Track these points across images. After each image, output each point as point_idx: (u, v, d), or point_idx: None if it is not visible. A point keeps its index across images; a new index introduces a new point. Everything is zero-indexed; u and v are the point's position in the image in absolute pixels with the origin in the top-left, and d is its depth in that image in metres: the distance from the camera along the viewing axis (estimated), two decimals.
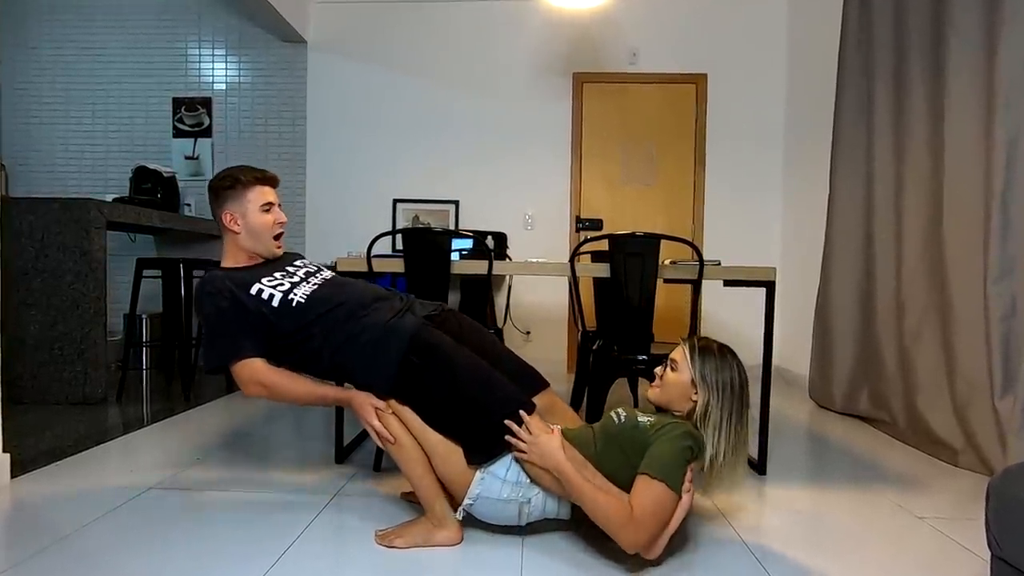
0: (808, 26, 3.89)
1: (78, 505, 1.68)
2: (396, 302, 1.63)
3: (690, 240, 2.20)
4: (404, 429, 1.45)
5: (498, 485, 1.43)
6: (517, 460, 1.43)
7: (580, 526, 1.50)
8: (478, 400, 1.45)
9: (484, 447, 1.43)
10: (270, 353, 1.55)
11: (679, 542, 1.49)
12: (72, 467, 2.00)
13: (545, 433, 1.41)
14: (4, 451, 1.87)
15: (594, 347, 2.33)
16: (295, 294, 1.56)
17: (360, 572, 1.34)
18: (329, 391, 1.56)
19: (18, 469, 1.91)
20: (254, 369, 1.51)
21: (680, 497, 1.33)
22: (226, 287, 1.54)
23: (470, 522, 1.50)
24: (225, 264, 1.67)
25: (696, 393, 1.44)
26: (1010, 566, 0.99)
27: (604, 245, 2.43)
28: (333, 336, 1.52)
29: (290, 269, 1.67)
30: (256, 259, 1.67)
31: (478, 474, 1.43)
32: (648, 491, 1.30)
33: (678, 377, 1.46)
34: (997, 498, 1.03)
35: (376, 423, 1.45)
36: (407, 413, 1.45)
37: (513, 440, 1.41)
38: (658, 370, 1.53)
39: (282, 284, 1.58)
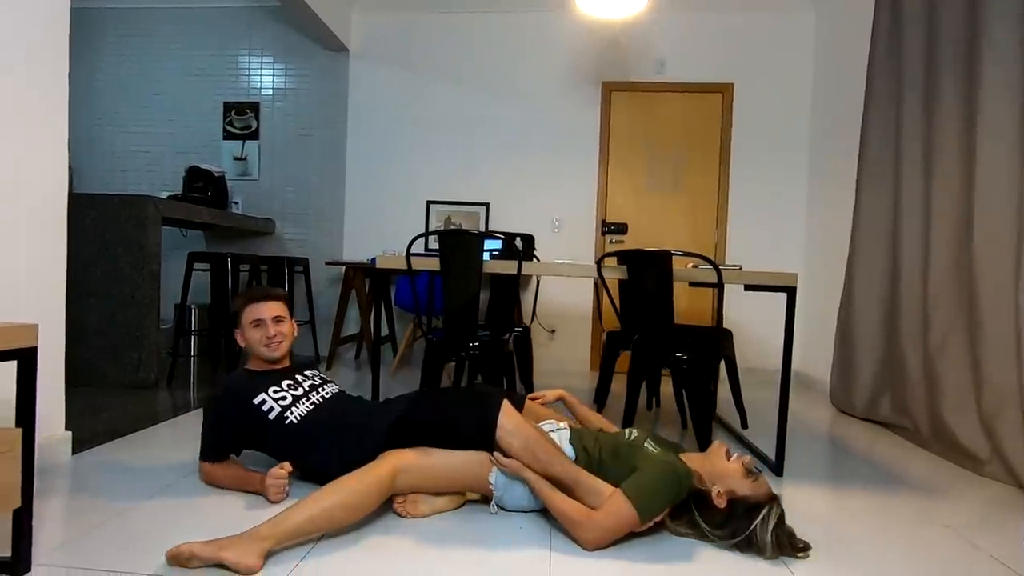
0: (835, 36, 3.79)
1: (134, 481, 1.72)
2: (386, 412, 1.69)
3: (701, 254, 2.16)
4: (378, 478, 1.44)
5: (503, 478, 1.55)
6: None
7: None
8: (464, 413, 1.57)
9: (484, 439, 1.54)
10: (275, 451, 1.69)
11: (702, 547, 1.46)
12: (128, 445, 2.05)
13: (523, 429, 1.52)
14: (67, 429, 1.93)
15: (634, 339, 2.31)
16: (292, 412, 1.67)
17: (378, 544, 1.34)
18: (249, 480, 1.66)
19: (78, 446, 1.97)
20: (203, 470, 1.72)
21: (643, 526, 1.40)
22: (234, 397, 1.69)
23: (492, 537, 1.48)
24: (250, 364, 1.82)
25: (723, 502, 1.41)
26: None
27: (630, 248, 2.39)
28: (337, 455, 1.60)
29: (299, 378, 1.79)
30: (267, 365, 1.79)
31: (490, 476, 1.54)
32: (619, 507, 1.39)
33: (740, 482, 1.42)
34: None
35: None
36: (410, 457, 1.50)
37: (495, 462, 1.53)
38: (744, 460, 1.46)
39: (284, 398, 1.70)
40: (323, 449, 1.64)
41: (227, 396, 1.70)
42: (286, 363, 1.83)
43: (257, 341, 1.76)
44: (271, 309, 1.78)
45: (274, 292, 1.83)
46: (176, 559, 1.23)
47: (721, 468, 1.46)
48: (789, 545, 1.39)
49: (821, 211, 3.88)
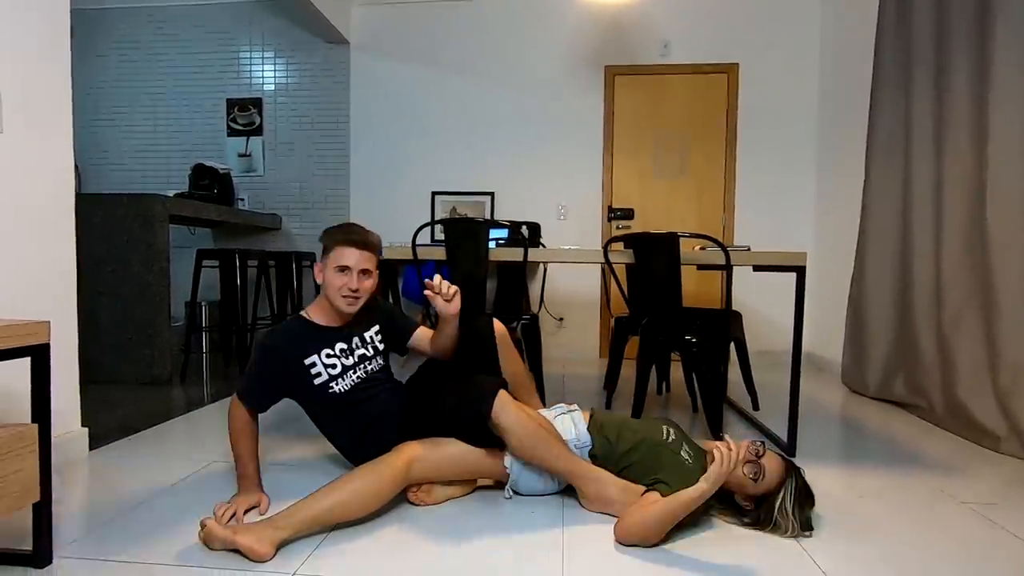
0: (843, 12, 3.72)
1: (149, 475, 1.74)
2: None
3: (708, 235, 2.15)
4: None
5: (519, 464, 1.55)
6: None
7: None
8: (459, 414, 1.52)
9: (486, 438, 1.52)
10: (309, 411, 1.68)
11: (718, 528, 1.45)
12: (142, 441, 2.08)
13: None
14: (83, 425, 1.95)
15: (643, 323, 2.29)
16: (337, 383, 1.63)
17: (393, 532, 1.35)
18: (243, 472, 1.57)
19: (94, 442, 1.99)
20: (231, 406, 1.59)
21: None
22: (285, 351, 1.60)
23: (505, 523, 1.49)
24: (311, 308, 1.69)
25: (750, 505, 1.43)
26: None
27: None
28: (352, 442, 1.66)
29: (355, 343, 1.68)
30: (333, 317, 1.67)
31: (504, 460, 1.54)
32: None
33: (751, 487, 1.42)
34: None
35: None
36: (423, 449, 1.49)
37: None
38: (746, 450, 1.43)
39: (334, 366, 1.63)
40: (346, 431, 1.65)
41: (278, 348, 1.61)
42: (348, 319, 1.70)
43: (336, 288, 1.60)
44: (362, 260, 1.61)
45: (372, 240, 1.65)
46: (202, 529, 1.30)
47: (735, 480, 1.42)
48: (805, 518, 1.41)
49: (831, 191, 3.83)
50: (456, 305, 1.65)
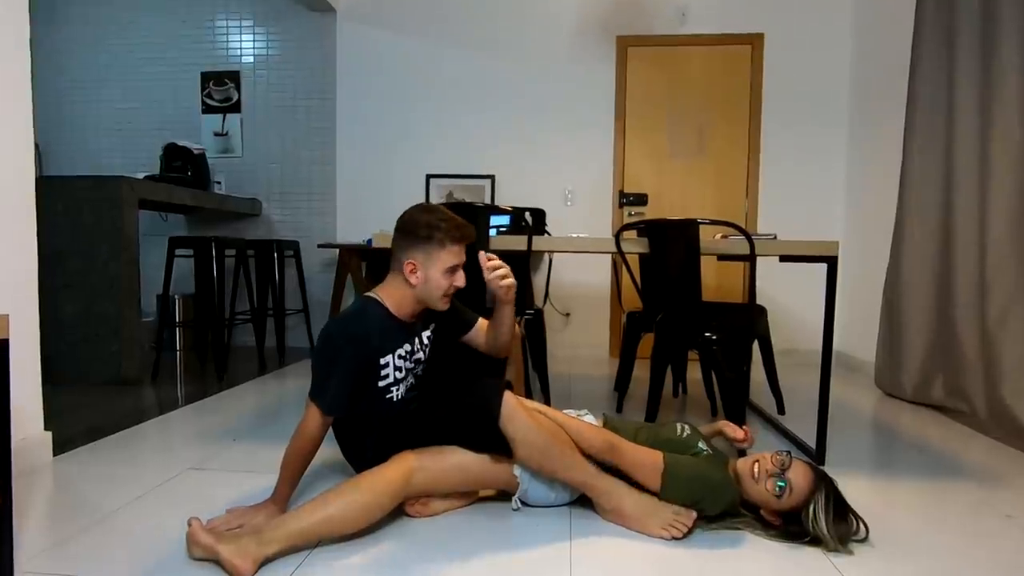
0: None
1: (118, 484, 1.74)
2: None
3: (732, 222, 2.14)
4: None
5: (529, 473, 1.53)
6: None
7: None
8: (468, 412, 1.49)
9: (494, 444, 1.47)
10: (354, 416, 1.58)
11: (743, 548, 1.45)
12: (111, 446, 2.08)
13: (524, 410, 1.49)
14: (45, 429, 1.95)
15: (658, 318, 2.28)
16: (396, 389, 1.60)
17: (387, 548, 1.35)
18: (280, 491, 1.49)
19: (58, 448, 1.99)
20: (310, 417, 1.48)
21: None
22: (371, 341, 1.52)
23: (509, 537, 1.49)
24: (384, 295, 1.59)
25: (778, 520, 1.45)
26: None
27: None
28: (357, 452, 1.63)
29: (415, 344, 1.63)
30: (407, 310, 1.60)
31: (514, 469, 1.52)
32: (655, 461, 1.48)
33: (775, 503, 1.43)
34: None
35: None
36: (425, 459, 1.47)
37: None
38: (770, 462, 1.44)
39: (400, 369, 1.59)
40: (360, 441, 1.59)
41: (368, 337, 1.51)
42: (422, 314, 1.65)
43: (442, 290, 1.54)
44: (463, 254, 1.55)
45: (473, 230, 1.58)
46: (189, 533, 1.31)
47: (758, 496, 1.46)
48: (843, 533, 1.41)
49: (864, 173, 3.81)
50: (509, 284, 1.56)
